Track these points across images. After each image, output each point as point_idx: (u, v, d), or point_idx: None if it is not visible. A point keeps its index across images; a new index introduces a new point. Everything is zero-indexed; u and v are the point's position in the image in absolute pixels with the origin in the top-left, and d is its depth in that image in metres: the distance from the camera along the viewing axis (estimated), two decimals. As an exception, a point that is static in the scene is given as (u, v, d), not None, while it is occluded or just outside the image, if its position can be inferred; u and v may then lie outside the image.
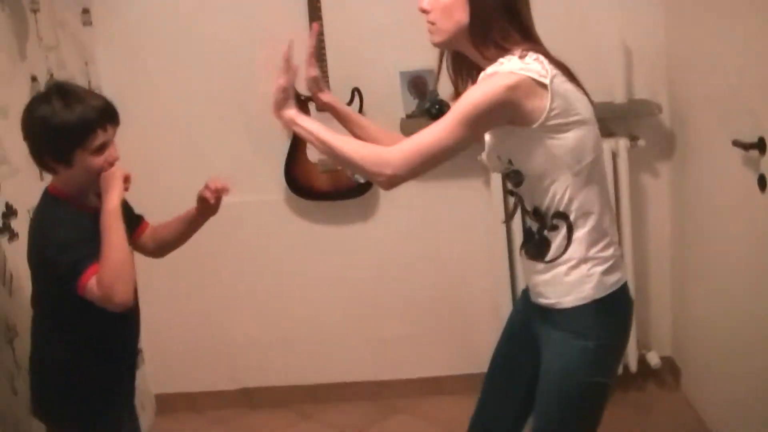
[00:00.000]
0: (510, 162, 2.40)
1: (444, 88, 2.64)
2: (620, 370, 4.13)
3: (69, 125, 2.46)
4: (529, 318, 2.61)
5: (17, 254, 2.92)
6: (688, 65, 3.90)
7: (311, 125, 2.47)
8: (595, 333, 2.39)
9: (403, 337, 4.45)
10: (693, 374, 4.18)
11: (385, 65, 4.11)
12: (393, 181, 2.33)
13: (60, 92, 2.53)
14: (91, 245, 2.45)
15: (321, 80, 2.73)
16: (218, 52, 4.24)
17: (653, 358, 4.26)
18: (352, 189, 4.16)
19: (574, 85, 2.36)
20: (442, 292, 4.40)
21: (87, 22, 4.17)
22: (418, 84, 4.10)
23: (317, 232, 4.38)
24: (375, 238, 4.37)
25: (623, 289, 2.46)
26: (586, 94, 2.41)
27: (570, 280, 2.39)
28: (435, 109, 3.96)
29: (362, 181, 4.09)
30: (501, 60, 2.30)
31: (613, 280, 2.42)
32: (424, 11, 2.44)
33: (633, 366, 4.19)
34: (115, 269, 2.40)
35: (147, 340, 4.47)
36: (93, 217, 2.53)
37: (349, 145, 2.42)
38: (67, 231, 2.50)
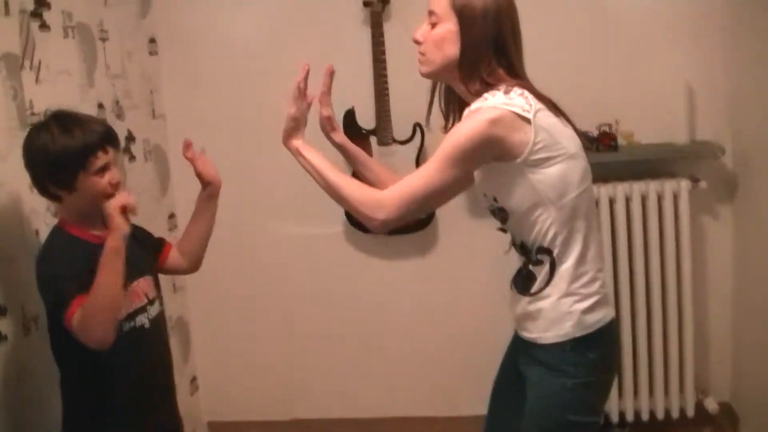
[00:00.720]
0: (495, 199, 2.42)
1: (435, 120, 2.64)
2: (677, 415, 4.09)
3: (69, 149, 2.47)
4: (517, 350, 2.60)
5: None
6: (751, 107, 3.86)
7: (315, 159, 2.53)
8: (573, 371, 2.38)
9: (460, 374, 4.42)
10: (752, 422, 4.09)
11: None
12: (385, 226, 2.36)
13: (58, 119, 2.55)
14: (80, 278, 2.43)
15: (334, 120, 2.73)
16: (281, 84, 4.26)
17: (711, 404, 4.17)
18: (410, 224, 4.16)
19: (561, 119, 2.37)
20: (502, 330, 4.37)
21: (153, 52, 4.24)
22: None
23: (374, 266, 4.38)
24: (433, 273, 4.36)
25: (607, 327, 2.43)
26: (573, 128, 2.42)
27: (551, 316, 2.39)
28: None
29: (422, 216, 4.09)
30: (485, 95, 2.33)
31: (595, 318, 2.40)
32: (417, 42, 2.48)
33: (690, 411, 4.11)
34: (96, 307, 2.38)
35: (201, 367, 4.51)
36: (95, 246, 2.50)
37: (348, 185, 2.45)
38: (57, 264, 2.51)
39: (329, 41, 4.15)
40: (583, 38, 4.09)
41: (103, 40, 3.62)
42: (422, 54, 2.47)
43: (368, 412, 4.53)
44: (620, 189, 3.97)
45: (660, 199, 3.96)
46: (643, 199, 3.97)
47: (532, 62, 3.99)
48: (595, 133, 4.00)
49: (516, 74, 2.40)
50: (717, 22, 4.01)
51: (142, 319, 2.68)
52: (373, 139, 4.08)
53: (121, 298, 2.47)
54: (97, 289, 2.39)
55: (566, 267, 2.37)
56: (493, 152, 2.29)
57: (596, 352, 2.41)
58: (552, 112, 2.35)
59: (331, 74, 2.66)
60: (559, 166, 2.31)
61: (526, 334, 2.49)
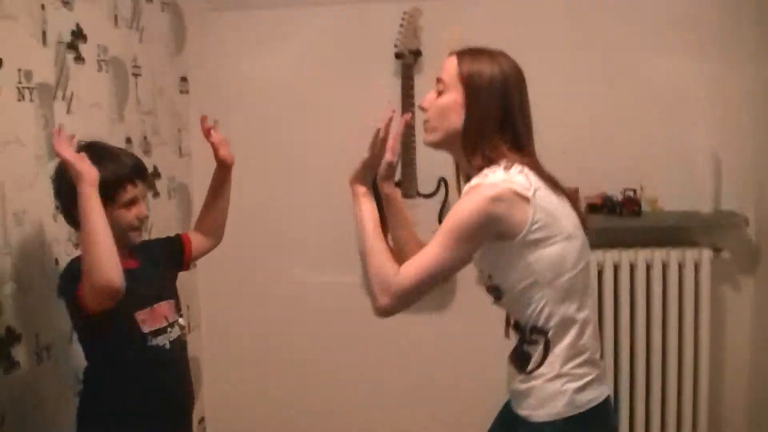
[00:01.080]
0: (490, 277, 2.39)
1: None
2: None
3: (100, 181, 2.45)
4: (510, 420, 2.52)
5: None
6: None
7: (367, 212, 2.46)
8: None
9: (471, 427, 4.38)
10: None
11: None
12: (387, 313, 2.36)
13: (91, 150, 2.56)
14: None
15: (394, 169, 2.62)
16: (309, 130, 4.30)
17: (722, 478, 4.13)
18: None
19: (561, 198, 2.33)
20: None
21: (184, 90, 4.28)
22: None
23: (395, 317, 4.35)
24: (449, 328, 4.33)
25: (600, 407, 2.38)
26: (574, 207, 2.39)
27: (543, 395, 2.35)
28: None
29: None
30: (486, 171, 2.29)
31: (587, 398, 2.34)
32: (422, 109, 2.46)
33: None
34: (92, 256, 2.37)
35: (210, 408, 4.48)
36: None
37: (377, 250, 2.37)
38: (74, 268, 2.53)
39: (359, 90, 4.18)
40: (613, 102, 4.10)
41: (136, 75, 3.65)
42: (426, 121, 2.45)
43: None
44: (641, 255, 3.96)
45: (681, 267, 3.95)
46: (664, 267, 3.96)
47: (561, 125, 4.05)
48: (619, 197, 4.00)
49: (520, 149, 2.36)
50: (747, 93, 4.03)
51: (164, 341, 2.70)
52: (397, 191, 4.08)
53: (109, 237, 2.41)
54: (86, 237, 2.38)
55: (561, 348, 2.33)
56: (493, 230, 2.25)
57: (589, 430, 2.37)
58: (552, 191, 2.31)
59: (407, 124, 2.62)
60: (556, 246, 2.28)
61: (519, 411, 2.45)
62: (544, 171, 2.35)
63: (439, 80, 2.43)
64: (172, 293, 2.85)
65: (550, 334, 2.32)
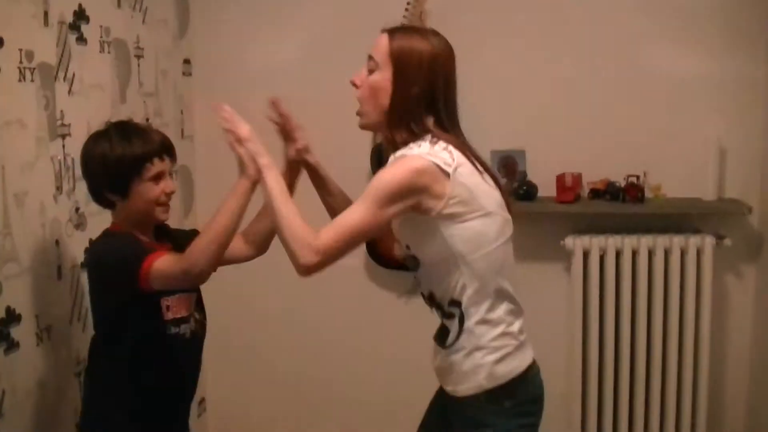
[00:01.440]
0: (408, 247, 2.43)
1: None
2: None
3: (127, 156, 2.54)
4: (444, 399, 2.56)
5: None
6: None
7: (271, 179, 2.50)
8: (492, 421, 2.37)
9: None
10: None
11: (477, 143, 4.10)
12: (310, 269, 2.34)
13: (118, 128, 2.64)
14: (143, 250, 2.52)
15: (306, 143, 2.80)
16: (312, 114, 4.28)
17: (722, 465, 4.13)
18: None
19: (484, 178, 2.36)
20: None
21: (187, 73, 4.27)
22: (508, 164, 4.10)
23: (392, 301, 4.36)
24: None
25: (521, 377, 2.40)
26: (498, 185, 2.42)
27: (463, 369, 2.39)
28: (522, 190, 3.97)
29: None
30: (411, 145, 2.32)
31: (507, 369, 2.37)
32: (354, 85, 2.51)
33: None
34: (210, 238, 2.47)
35: (211, 390, 4.49)
36: (150, 249, 2.57)
37: (290, 213, 2.40)
38: (120, 246, 2.56)
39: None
40: (617, 89, 4.09)
41: (138, 57, 3.64)
42: (360, 103, 2.48)
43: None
44: (644, 242, 3.95)
45: (683, 254, 3.95)
46: (666, 253, 3.95)
47: (566, 111, 4.04)
48: (622, 183, 3.99)
49: (444, 127, 2.39)
50: (752, 81, 4.03)
51: (185, 329, 2.72)
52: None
53: (232, 239, 2.56)
54: (219, 220, 2.49)
55: (476, 320, 2.36)
56: (413, 200, 2.27)
57: (513, 399, 2.39)
58: (476, 170, 2.34)
59: (276, 104, 2.74)
60: (474, 222, 2.31)
61: (445, 386, 2.50)
62: (471, 149, 2.40)
63: (370, 58, 2.46)
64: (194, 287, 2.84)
65: (463, 306, 2.35)
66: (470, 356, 2.37)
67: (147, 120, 3.69)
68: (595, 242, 3.99)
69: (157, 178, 2.61)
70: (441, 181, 2.26)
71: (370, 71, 2.44)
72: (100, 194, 2.62)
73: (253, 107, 4.27)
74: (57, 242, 2.90)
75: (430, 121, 2.37)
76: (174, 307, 2.68)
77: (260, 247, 2.97)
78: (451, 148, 2.31)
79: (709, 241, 3.94)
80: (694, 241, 3.94)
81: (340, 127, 4.22)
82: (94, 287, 2.64)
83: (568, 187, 3.98)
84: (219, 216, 2.50)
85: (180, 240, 2.78)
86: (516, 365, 2.39)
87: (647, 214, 4.03)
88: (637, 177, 4.00)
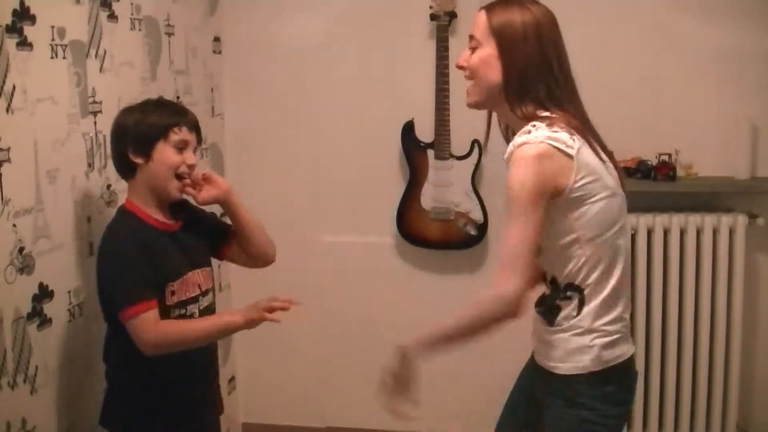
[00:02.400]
0: None
1: (495, 144, 2.59)
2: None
3: (158, 120, 2.67)
4: (534, 374, 2.56)
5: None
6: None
7: (440, 330, 2.51)
8: (589, 404, 2.35)
9: (498, 395, 4.37)
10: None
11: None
12: (518, 305, 2.25)
13: (151, 100, 2.84)
14: (146, 267, 2.59)
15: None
16: (342, 92, 4.29)
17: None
18: (461, 240, 4.14)
19: (602, 156, 2.32)
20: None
21: (217, 50, 4.27)
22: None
23: (422, 279, 4.36)
24: (480, 290, 4.31)
25: (626, 364, 2.39)
26: (615, 165, 2.38)
27: (570, 348, 2.36)
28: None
29: (474, 233, 4.08)
30: (529, 127, 2.27)
31: (615, 354, 2.36)
32: (460, 67, 2.45)
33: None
34: (173, 339, 2.60)
35: (240, 367, 4.51)
36: (158, 232, 2.70)
37: (465, 320, 2.40)
38: (126, 248, 2.61)
39: (393, 51, 4.16)
40: (650, 67, 4.05)
41: (169, 35, 3.64)
42: (469, 83, 2.43)
43: (402, 426, 4.48)
44: (675, 220, 3.92)
45: (715, 233, 3.91)
46: (698, 232, 3.92)
47: (598, 88, 4.00)
48: (654, 162, 3.96)
49: (562, 98, 2.34)
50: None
51: (192, 309, 2.76)
52: (430, 153, 4.07)
53: (192, 349, 2.68)
54: (187, 331, 2.65)
55: (594, 305, 2.33)
56: (550, 188, 2.22)
57: (613, 386, 2.38)
58: (594, 148, 2.30)
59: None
60: (600, 203, 2.27)
61: (543, 361, 2.46)
62: (588, 124, 2.36)
63: (471, 37, 2.41)
64: (208, 262, 2.89)
65: (586, 291, 2.33)
66: (581, 337, 2.34)
67: (177, 98, 3.70)
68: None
69: (181, 147, 2.69)
70: (565, 163, 2.22)
71: (473, 50, 2.40)
72: (125, 157, 2.68)
73: (282, 85, 4.32)
74: (89, 219, 2.91)
75: (547, 95, 2.32)
76: (179, 290, 2.72)
77: (260, 260, 3.06)
78: (569, 128, 2.27)
79: (741, 220, 3.90)
80: (726, 220, 3.90)
81: (368, 105, 4.25)
82: (99, 277, 2.71)
83: (599, 165, 3.95)
84: (197, 324, 2.70)
85: (197, 220, 2.86)
86: (623, 352, 2.38)
87: (679, 192, 4.00)
88: (669, 155, 3.97)
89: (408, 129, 4.11)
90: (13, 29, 2.46)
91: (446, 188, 4.05)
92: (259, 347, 4.47)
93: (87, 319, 2.89)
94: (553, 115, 2.29)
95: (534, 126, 2.26)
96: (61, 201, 2.73)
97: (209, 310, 2.84)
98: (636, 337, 4.02)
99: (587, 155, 2.26)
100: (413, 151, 4.12)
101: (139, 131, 2.65)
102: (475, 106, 2.46)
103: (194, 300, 2.76)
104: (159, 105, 2.78)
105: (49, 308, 2.65)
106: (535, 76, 2.32)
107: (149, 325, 2.54)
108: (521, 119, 2.32)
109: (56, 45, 2.70)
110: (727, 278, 3.92)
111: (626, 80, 4.04)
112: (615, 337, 2.35)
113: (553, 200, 2.24)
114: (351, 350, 4.47)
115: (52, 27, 2.67)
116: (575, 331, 2.35)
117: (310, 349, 4.51)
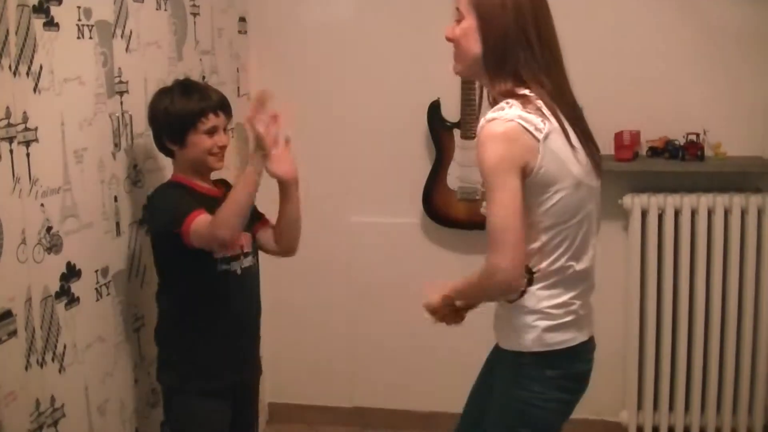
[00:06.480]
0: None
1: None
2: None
3: (185, 111, 2.86)
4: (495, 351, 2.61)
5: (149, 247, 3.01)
6: None
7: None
8: (529, 385, 2.38)
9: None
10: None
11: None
12: (512, 278, 2.25)
13: (181, 85, 2.98)
14: (192, 205, 2.77)
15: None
16: (368, 71, 4.28)
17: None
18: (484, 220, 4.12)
19: (573, 143, 2.30)
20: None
21: (243, 31, 4.27)
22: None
23: (448, 259, 4.35)
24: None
25: (568, 351, 2.38)
26: (589, 152, 2.37)
27: (515, 325, 2.39)
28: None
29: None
30: (503, 104, 2.26)
31: (558, 339, 2.36)
32: (448, 39, 2.45)
33: (758, 431, 4.04)
34: (228, 211, 2.68)
35: (267, 347, 4.52)
36: (205, 196, 2.91)
37: (470, 289, 2.48)
38: (172, 197, 2.88)
39: (419, 29, 4.13)
40: (679, 45, 4.02)
41: (195, 15, 3.64)
42: (454, 52, 2.45)
43: (428, 406, 4.51)
44: (703, 201, 3.90)
45: (744, 213, 3.88)
46: (726, 213, 3.89)
47: (625, 67, 3.98)
48: (682, 141, 3.94)
49: (538, 70, 2.32)
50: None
51: (235, 266, 2.94)
52: (456, 132, 4.06)
53: (249, 210, 2.75)
54: (234, 195, 2.71)
55: (541, 287, 2.34)
56: (521, 161, 2.21)
57: (555, 371, 2.38)
58: (565, 130, 2.28)
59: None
60: (559, 194, 2.27)
61: (495, 333, 2.54)
62: (566, 99, 2.36)
63: (457, 10, 2.42)
64: (250, 228, 3.01)
65: (537, 274, 2.33)
66: (526, 316, 2.36)
67: (203, 78, 3.70)
68: (653, 201, 3.94)
69: (211, 132, 2.89)
70: (532, 144, 2.21)
71: (458, 22, 2.41)
72: (161, 142, 2.94)
73: (308, 65, 4.32)
74: (116, 198, 2.93)
75: (524, 63, 2.31)
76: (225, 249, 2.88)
77: (285, 248, 3.14)
78: (544, 110, 2.26)
79: (770, 200, 3.88)
80: (754, 200, 3.87)
81: (395, 84, 4.24)
82: (151, 231, 2.98)
83: (626, 144, 3.93)
84: (232, 194, 2.75)
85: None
86: (567, 338, 2.38)
87: (707, 172, 3.97)
88: (697, 135, 3.93)
89: (434, 108, 4.10)
90: (40, 9, 2.47)
91: (472, 168, 4.04)
92: (285, 327, 4.48)
93: (114, 299, 2.92)
94: (530, 94, 2.28)
95: (508, 103, 2.26)
96: (88, 180, 2.75)
97: (252, 271, 3.03)
98: (662, 320, 4.01)
99: (555, 141, 2.25)
100: (439, 130, 4.11)
101: (169, 122, 2.87)
102: (459, 74, 2.54)
103: (236, 258, 2.94)
104: (185, 91, 2.91)
105: (76, 287, 2.67)
106: (512, 47, 2.31)
107: (207, 221, 2.71)
108: (499, 95, 2.33)
109: (82, 25, 2.71)
110: (756, 260, 3.90)
111: (654, 59, 4.01)
112: (560, 321, 2.36)
113: (524, 180, 2.23)
114: (378, 330, 4.48)
115: (79, 7, 2.68)
116: (521, 310, 2.36)
117: (336, 329, 4.52)
